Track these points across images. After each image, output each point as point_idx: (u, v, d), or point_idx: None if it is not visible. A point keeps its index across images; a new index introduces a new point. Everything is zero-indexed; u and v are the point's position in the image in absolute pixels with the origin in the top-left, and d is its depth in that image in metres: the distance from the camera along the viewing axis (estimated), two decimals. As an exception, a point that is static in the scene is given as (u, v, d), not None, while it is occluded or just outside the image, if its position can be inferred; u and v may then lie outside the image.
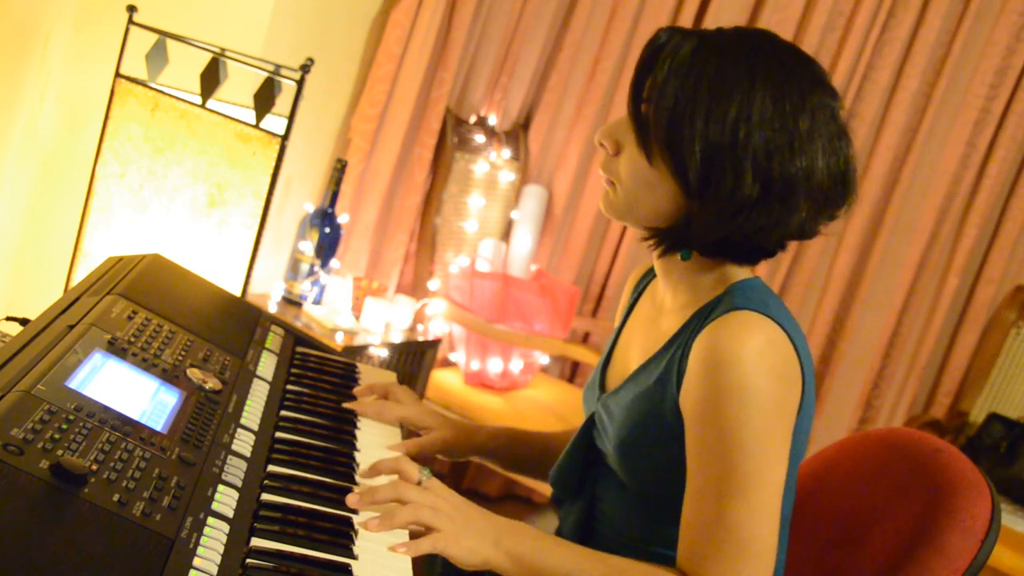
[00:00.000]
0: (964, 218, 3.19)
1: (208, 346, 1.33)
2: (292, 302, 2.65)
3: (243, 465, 1.12)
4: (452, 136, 3.00)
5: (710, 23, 3.11)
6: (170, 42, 2.09)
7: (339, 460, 1.25)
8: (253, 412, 1.26)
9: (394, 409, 1.44)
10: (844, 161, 1.17)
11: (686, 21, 3.15)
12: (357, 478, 1.22)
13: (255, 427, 1.23)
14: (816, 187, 1.15)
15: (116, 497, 0.89)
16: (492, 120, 3.19)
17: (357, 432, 1.36)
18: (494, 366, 3.02)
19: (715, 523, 1.09)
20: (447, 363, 3.15)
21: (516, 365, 3.08)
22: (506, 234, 3.32)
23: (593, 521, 1.34)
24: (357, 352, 2.56)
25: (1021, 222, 3.16)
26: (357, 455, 1.29)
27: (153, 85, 2.08)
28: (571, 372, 3.42)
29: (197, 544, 0.92)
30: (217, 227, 2.07)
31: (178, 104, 2.06)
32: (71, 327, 1.14)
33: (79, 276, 2.15)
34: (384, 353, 2.65)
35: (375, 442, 1.36)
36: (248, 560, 0.97)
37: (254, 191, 2.04)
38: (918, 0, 3.06)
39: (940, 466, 1.27)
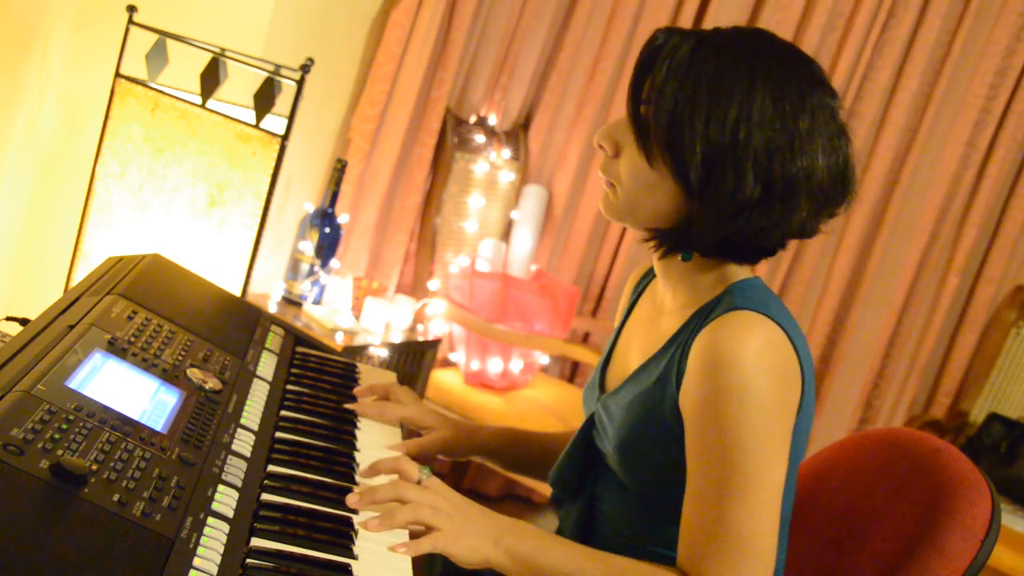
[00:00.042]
0: (964, 218, 3.19)
1: (208, 346, 1.33)
2: (292, 302, 2.65)
3: (243, 465, 1.12)
4: (452, 136, 3.00)
5: (710, 23, 3.11)
6: (170, 42, 2.09)
7: (339, 460, 1.25)
8: (253, 412, 1.26)
9: (395, 409, 1.44)
10: (844, 160, 1.17)
11: (686, 21, 3.15)
12: (357, 478, 1.22)
13: (255, 427, 1.23)
14: (817, 186, 1.15)
15: (116, 497, 0.89)
16: (492, 120, 3.19)
17: (357, 432, 1.36)
18: (494, 366, 3.02)
19: (715, 523, 1.09)
20: (447, 363, 3.15)
21: (516, 365, 3.08)
22: (506, 234, 3.32)
23: (593, 521, 1.34)
24: (357, 352, 2.56)
25: (1021, 222, 3.16)
26: (357, 455, 1.29)
27: (153, 85, 2.08)
28: (571, 372, 3.42)
29: (197, 544, 0.92)
30: (217, 227, 2.07)
31: (178, 104, 2.06)
32: (71, 327, 1.14)
33: (79, 276, 2.15)
34: (384, 353, 2.65)
35: (375, 442, 1.36)
36: (248, 560, 0.97)
37: (254, 191, 2.04)
38: (918, 0, 3.06)
39: (940, 466, 1.27)
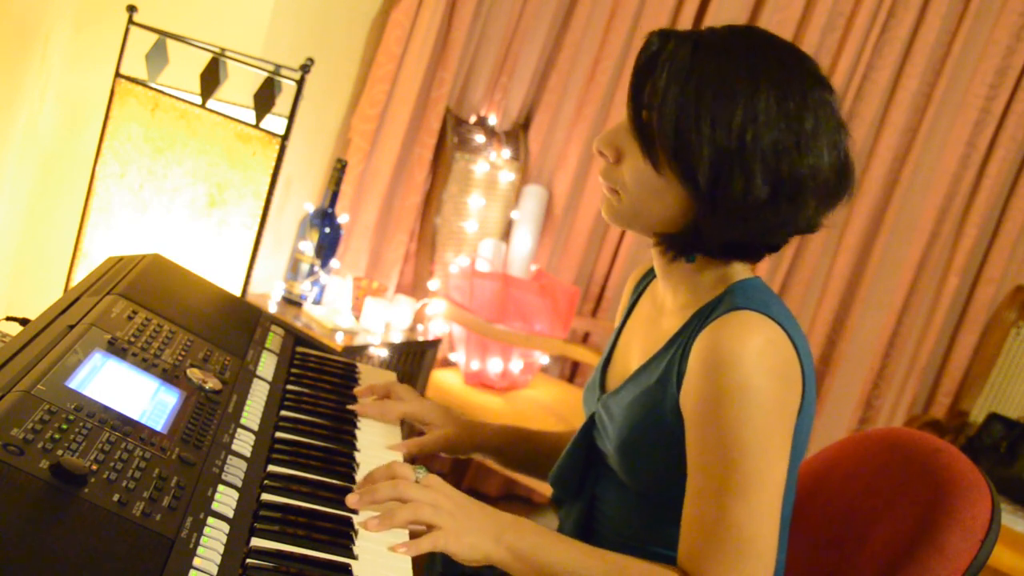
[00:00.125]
0: (964, 218, 3.19)
1: (208, 346, 1.33)
2: (292, 302, 2.65)
3: (243, 465, 1.12)
4: (452, 136, 3.00)
5: (710, 23, 3.11)
6: (170, 42, 2.09)
7: (339, 460, 1.25)
8: (253, 412, 1.26)
9: (396, 406, 1.44)
10: (844, 153, 1.17)
11: (686, 21, 3.15)
12: (357, 478, 1.22)
13: (255, 427, 1.23)
14: (822, 183, 1.15)
15: (116, 497, 0.89)
16: (492, 120, 3.19)
17: (357, 432, 1.36)
18: (494, 366, 3.02)
19: (715, 523, 1.09)
20: (447, 363, 3.15)
21: (516, 365, 3.08)
22: (506, 234, 3.32)
23: (593, 521, 1.34)
24: (357, 352, 2.56)
25: (1021, 222, 3.16)
26: (357, 455, 1.29)
27: (153, 85, 2.08)
28: (571, 372, 3.42)
29: (197, 544, 0.92)
30: (217, 227, 2.07)
31: (178, 104, 2.06)
32: (71, 327, 1.14)
33: (79, 276, 2.15)
34: (384, 353, 2.65)
35: (375, 442, 1.36)
36: (248, 560, 0.97)
37: (254, 191, 2.04)
38: (918, 0, 3.06)
39: (940, 466, 1.27)
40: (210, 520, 0.97)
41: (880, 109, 3.14)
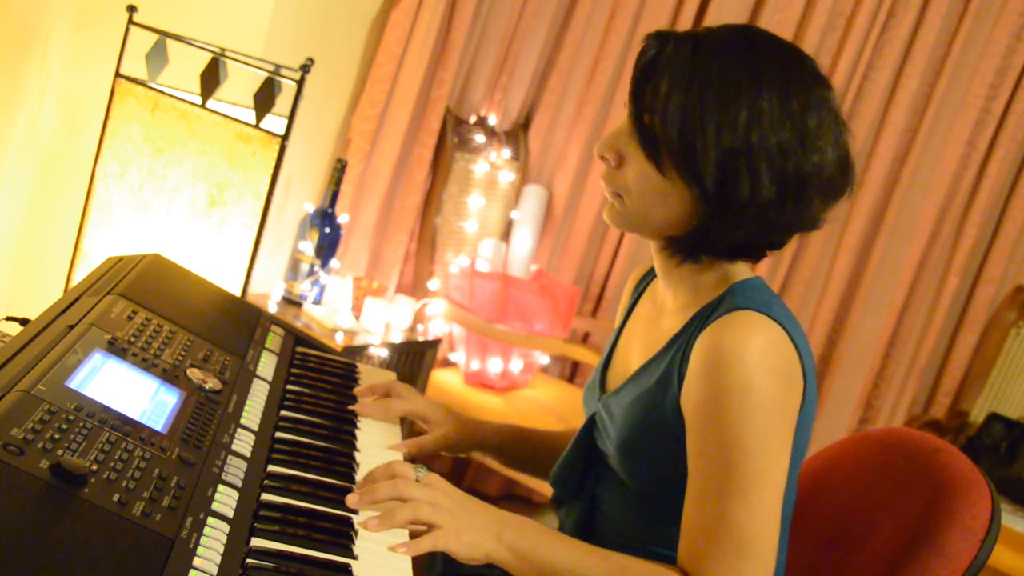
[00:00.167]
0: (964, 218, 3.19)
1: (208, 346, 1.33)
2: (292, 302, 2.65)
3: (243, 465, 1.12)
4: (452, 136, 3.00)
5: (710, 23, 3.11)
6: (170, 42, 2.09)
7: (339, 460, 1.25)
8: (253, 412, 1.26)
9: (397, 404, 1.44)
10: (845, 150, 1.18)
11: (686, 21, 3.15)
12: (357, 478, 1.22)
13: (255, 427, 1.23)
14: (826, 180, 1.16)
15: (116, 497, 0.89)
16: (492, 120, 3.19)
17: (357, 432, 1.36)
18: (494, 366, 3.02)
19: (716, 523, 1.09)
20: (447, 363, 3.15)
21: (516, 365, 3.08)
22: (506, 234, 3.32)
23: (593, 522, 1.34)
24: (357, 352, 2.56)
25: (1021, 222, 3.16)
26: (357, 455, 1.29)
27: (153, 85, 2.08)
28: (571, 372, 3.42)
29: (197, 544, 0.92)
30: (217, 227, 2.07)
31: (178, 104, 2.06)
32: (71, 327, 1.14)
33: (79, 276, 2.15)
34: (384, 353, 2.65)
35: (375, 442, 1.36)
36: (248, 560, 0.97)
37: (254, 191, 2.04)
38: (918, 0, 3.06)
39: (940, 466, 1.27)
40: (210, 520, 0.97)
41: (880, 109, 3.14)
